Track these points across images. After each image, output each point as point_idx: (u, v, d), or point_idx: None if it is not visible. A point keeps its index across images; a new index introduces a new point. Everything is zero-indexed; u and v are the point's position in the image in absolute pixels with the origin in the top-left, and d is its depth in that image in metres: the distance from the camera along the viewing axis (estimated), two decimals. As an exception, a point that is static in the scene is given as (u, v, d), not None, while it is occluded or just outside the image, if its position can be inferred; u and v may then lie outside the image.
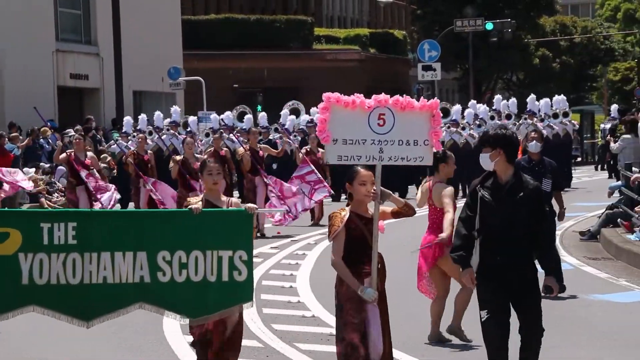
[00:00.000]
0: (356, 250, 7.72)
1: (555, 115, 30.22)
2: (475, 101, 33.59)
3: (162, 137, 28.42)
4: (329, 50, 57.41)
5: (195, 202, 8.26)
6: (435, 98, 8.29)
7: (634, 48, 68.30)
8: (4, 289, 7.86)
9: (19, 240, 7.86)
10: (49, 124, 27.99)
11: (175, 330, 10.91)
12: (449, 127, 27.50)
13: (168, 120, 31.12)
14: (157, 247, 7.98)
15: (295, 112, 30.57)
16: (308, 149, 22.44)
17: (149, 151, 22.67)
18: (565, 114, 30.72)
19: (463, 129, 27.77)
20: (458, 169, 27.34)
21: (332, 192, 21.35)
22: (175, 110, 31.09)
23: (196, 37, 51.36)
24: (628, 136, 22.82)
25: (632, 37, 70.13)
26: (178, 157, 18.59)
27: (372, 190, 7.70)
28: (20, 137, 29.76)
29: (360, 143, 7.90)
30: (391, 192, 7.91)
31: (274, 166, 26.20)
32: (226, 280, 8.02)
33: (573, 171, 40.93)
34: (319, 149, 21.78)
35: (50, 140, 28.27)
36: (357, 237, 7.71)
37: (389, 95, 8.06)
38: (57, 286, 7.87)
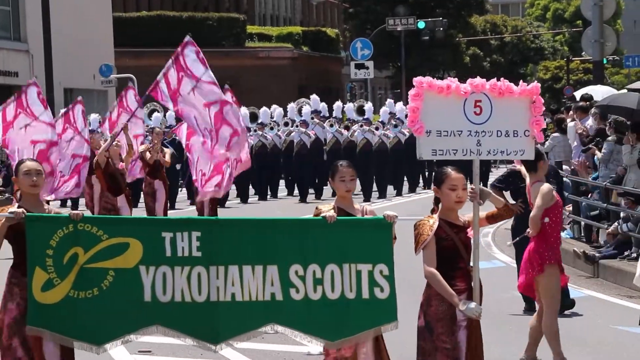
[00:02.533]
0: (446, 263, 6.86)
1: None
2: (392, 100, 32.80)
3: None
4: (261, 48, 57.35)
5: (327, 209, 7.26)
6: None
7: (563, 47, 69.21)
8: (125, 307, 7.04)
9: (140, 251, 7.03)
10: None
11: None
12: (361, 126, 27.08)
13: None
14: (289, 260, 7.07)
15: None
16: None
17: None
18: None
19: (377, 128, 27.18)
20: (374, 168, 27.10)
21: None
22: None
23: (128, 35, 50.97)
24: (557, 135, 23.11)
25: (561, 36, 71.05)
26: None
27: (471, 189, 6.87)
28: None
29: (456, 135, 7.00)
30: (491, 191, 7.05)
31: (178, 166, 25.39)
32: (366, 297, 7.07)
33: (497, 170, 41.60)
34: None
35: None
36: (448, 248, 6.87)
37: (484, 80, 7.32)
38: (182, 304, 7.01)
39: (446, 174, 6.91)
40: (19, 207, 7.06)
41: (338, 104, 30.01)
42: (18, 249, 7.08)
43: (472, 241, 6.96)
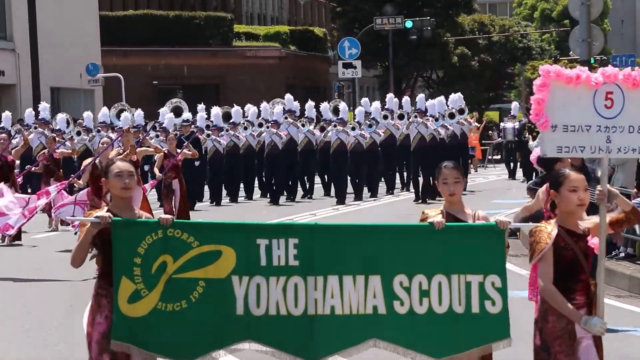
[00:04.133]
0: (565, 275, 6.27)
1: (452, 115, 28.46)
2: (367, 99, 32.19)
3: (93, 139, 27.60)
4: (249, 47, 57.27)
5: (435, 214, 6.79)
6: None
7: (551, 46, 69.28)
8: (216, 321, 6.49)
9: (233, 260, 6.46)
10: None
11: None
12: (335, 126, 26.48)
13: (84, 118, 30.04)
14: (393, 270, 6.52)
15: (176, 110, 29.10)
16: (166, 152, 19.74)
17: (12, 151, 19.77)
18: (461, 112, 29.21)
19: (353, 128, 26.49)
20: (348, 169, 26.59)
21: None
22: (105, 111, 29.25)
23: (114, 33, 50.82)
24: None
25: (548, 35, 71.14)
26: (89, 159, 16.03)
27: (599, 190, 6.28)
28: None
29: (584, 130, 6.37)
30: (618, 192, 6.39)
31: (197, 163, 25.41)
32: (476, 311, 6.53)
33: (484, 169, 41.54)
34: (178, 150, 19.71)
35: None
36: (568, 259, 6.26)
37: (617, 69, 6.51)
38: (277, 317, 6.47)
39: (564, 175, 6.33)
40: (107, 210, 6.54)
41: (324, 105, 29.29)
42: (105, 257, 6.53)
43: (594, 250, 6.36)
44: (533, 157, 10.89)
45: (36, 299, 12.88)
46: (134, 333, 6.41)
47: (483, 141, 44.16)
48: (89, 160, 15.72)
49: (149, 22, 53.91)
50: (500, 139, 40.38)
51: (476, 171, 40.26)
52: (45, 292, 13.32)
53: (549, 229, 6.30)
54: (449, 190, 6.90)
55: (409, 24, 51.65)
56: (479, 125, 40.29)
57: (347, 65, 46.57)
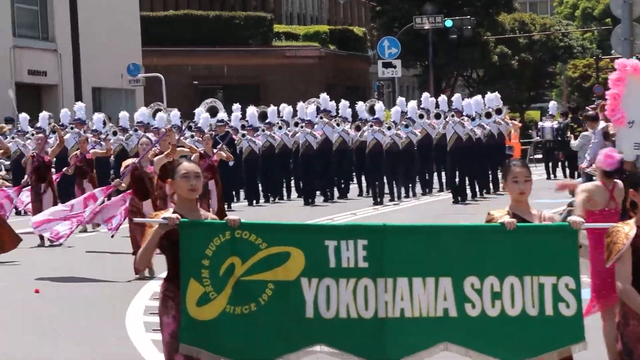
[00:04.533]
0: None
1: (488, 115, 27.93)
2: (403, 99, 31.80)
3: (129, 138, 27.14)
4: (288, 47, 57.32)
5: (501, 215, 6.55)
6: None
7: (592, 45, 68.79)
8: (285, 324, 6.35)
9: (302, 262, 6.32)
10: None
11: (138, 328, 10.80)
12: (371, 126, 26.00)
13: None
14: (464, 271, 6.38)
15: (212, 110, 28.93)
16: (202, 152, 19.52)
17: (48, 150, 19.75)
18: (498, 111, 28.60)
19: (389, 128, 26.02)
20: (384, 171, 26.25)
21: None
22: (143, 111, 28.77)
23: (155, 34, 51.06)
24: (587, 133, 22.86)
25: (590, 34, 70.64)
26: (130, 161, 15.38)
27: None
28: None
29: None
30: None
31: (231, 163, 25.09)
32: (550, 314, 6.37)
33: (534, 168, 41.18)
34: (214, 150, 19.52)
35: (11, 137, 27.61)
36: None
37: None
38: (347, 321, 6.33)
39: None
40: (173, 212, 6.35)
41: (360, 105, 29.08)
42: (172, 259, 6.38)
43: None
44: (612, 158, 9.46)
45: (77, 299, 12.95)
46: (202, 336, 6.28)
47: (522, 140, 43.89)
48: (129, 161, 15.29)
49: (190, 22, 54.11)
50: (538, 138, 40.11)
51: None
52: (86, 293, 13.39)
53: (627, 230, 6.12)
54: (518, 188, 6.64)
55: (448, 23, 51.46)
56: (519, 124, 40.04)
57: (386, 65, 46.44)
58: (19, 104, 38.53)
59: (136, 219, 6.27)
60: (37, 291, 13.16)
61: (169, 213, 6.34)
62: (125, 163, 15.14)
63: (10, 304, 12.53)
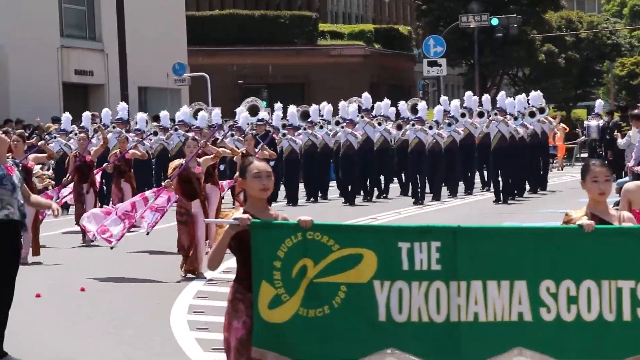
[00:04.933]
0: None
1: (532, 114, 27.43)
2: (446, 98, 31.16)
3: (170, 138, 27.11)
4: (333, 46, 57.31)
5: (579, 216, 6.43)
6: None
7: (640, 43, 68.11)
8: (358, 328, 6.20)
9: (374, 264, 6.18)
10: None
11: (182, 326, 10.82)
12: (413, 125, 25.78)
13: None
14: (539, 275, 6.20)
15: (253, 109, 28.69)
16: (244, 152, 18.97)
17: (90, 150, 19.58)
18: (541, 110, 28.12)
19: (430, 127, 25.79)
20: (426, 170, 25.93)
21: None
22: (184, 110, 28.50)
23: (200, 33, 51.29)
24: (633, 131, 22.62)
25: (638, 32, 69.94)
26: (178, 162, 15.04)
27: None
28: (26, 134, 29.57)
29: None
30: None
31: (271, 163, 24.93)
32: (628, 319, 6.17)
33: (571, 168, 40.86)
34: (256, 150, 19.12)
35: (53, 136, 27.74)
36: None
37: None
38: (419, 324, 6.20)
39: None
40: (243, 212, 6.20)
41: (402, 104, 28.78)
42: (243, 260, 6.26)
43: None
44: None
45: (121, 298, 13.02)
46: (275, 340, 6.16)
47: (568, 143, 43.48)
48: (177, 162, 14.99)
49: (235, 22, 54.29)
50: (584, 138, 39.68)
51: (562, 169, 39.72)
52: (130, 291, 13.45)
53: None
54: (599, 189, 6.50)
55: (494, 21, 51.19)
56: (566, 127, 39.75)
57: (432, 64, 46.32)
58: (65, 104, 38.91)
59: (207, 219, 6.08)
60: (82, 289, 13.24)
61: (239, 213, 6.19)
62: (173, 164, 14.95)
63: (56, 302, 12.61)
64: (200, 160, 14.75)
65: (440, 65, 46.27)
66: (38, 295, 12.76)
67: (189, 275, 14.14)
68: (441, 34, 50.74)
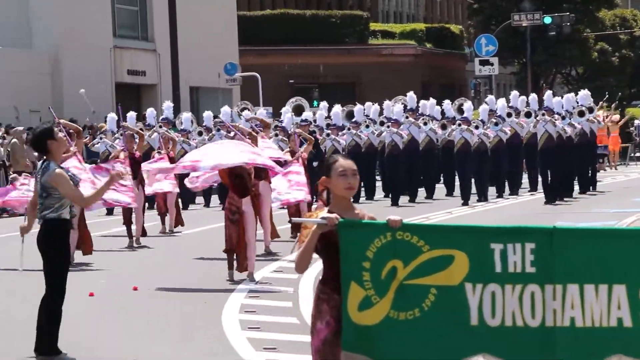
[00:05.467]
0: None
1: (581, 114, 26.95)
2: (492, 97, 30.82)
3: (212, 138, 27.18)
4: (384, 45, 57.21)
5: None
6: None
7: (696, 41, 67.22)
8: (449, 332, 6.01)
9: (466, 265, 5.98)
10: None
11: (234, 325, 10.84)
12: (459, 125, 25.54)
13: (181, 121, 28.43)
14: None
15: (298, 109, 27.85)
16: (288, 150, 19.28)
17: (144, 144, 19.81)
18: (590, 110, 27.63)
19: (476, 127, 25.52)
20: (472, 170, 25.56)
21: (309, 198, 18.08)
22: (226, 110, 28.28)
23: (252, 33, 51.43)
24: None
25: (693, 30, 69.02)
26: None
27: None
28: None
29: None
30: None
31: (315, 164, 23.68)
32: None
33: (625, 167, 40.38)
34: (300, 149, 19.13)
35: (99, 137, 27.74)
36: None
37: None
38: (513, 329, 5.97)
39: None
40: (329, 211, 6.02)
41: (447, 103, 28.39)
42: (329, 261, 6.07)
43: None
44: None
45: (173, 297, 13.07)
46: (365, 343, 5.98)
47: (623, 145, 42.95)
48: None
49: (286, 22, 54.38)
50: (637, 139, 39.14)
51: (615, 169, 39.29)
52: (182, 290, 13.50)
53: None
54: None
55: (547, 19, 50.81)
56: (618, 116, 39.19)
57: (483, 63, 46.10)
58: (118, 104, 39.13)
59: (295, 219, 5.81)
60: (135, 289, 13.31)
61: (325, 212, 6.00)
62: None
63: (108, 302, 12.69)
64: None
65: (492, 64, 46.04)
66: (91, 295, 12.85)
67: (239, 276, 14.02)
68: (493, 33, 50.46)
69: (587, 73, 59.93)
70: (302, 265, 6.07)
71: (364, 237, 6.00)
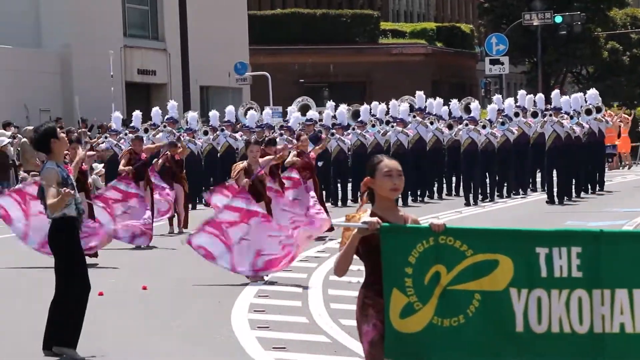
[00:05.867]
0: None
1: (588, 112, 26.82)
2: (500, 96, 30.48)
3: (217, 139, 26.86)
4: (395, 44, 57.20)
5: None
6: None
7: None
8: (494, 338, 5.87)
9: (511, 270, 5.83)
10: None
11: (243, 325, 10.83)
12: (466, 125, 25.32)
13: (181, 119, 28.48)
14: None
15: (304, 109, 27.86)
16: (299, 151, 18.81)
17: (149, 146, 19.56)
18: (598, 110, 27.44)
19: (483, 127, 25.35)
20: (479, 170, 25.39)
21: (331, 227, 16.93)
22: (230, 110, 28.24)
23: (262, 32, 51.45)
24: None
25: None
26: (241, 164, 14.59)
27: None
28: (89, 133, 29.86)
29: None
30: None
31: (320, 164, 23.71)
32: None
33: (638, 167, 40.22)
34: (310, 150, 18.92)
35: (104, 136, 27.65)
36: None
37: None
38: (560, 336, 5.83)
39: None
40: (371, 213, 5.89)
41: (454, 102, 28.24)
42: (371, 265, 5.94)
43: None
44: None
45: (183, 296, 13.07)
46: (408, 350, 5.85)
47: (634, 144, 42.81)
48: (240, 165, 14.47)
49: (297, 21, 54.40)
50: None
51: (629, 168, 39.15)
52: (192, 289, 13.49)
53: None
54: None
55: (558, 19, 50.72)
56: (628, 117, 39.10)
57: (494, 62, 46.04)
58: (128, 104, 39.21)
59: (337, 223, 5.61)
60: (144, 288, 13.31)
61: (367, 216, 5.87)
62: (237, 167, 14.53)
63: (118, 301, 12.69)
64: (261, 161, 14.41)
65: (502, 64, 45.97)
66: (101, 294, 12.85)
67: (251, 280, 13.88)
68: (504, 32, 50.38)
69: (597, 72, 59.82)
70: (341, 268, 5.94)
71: (406, 243, 5.86)
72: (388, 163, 6.01)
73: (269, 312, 11.46)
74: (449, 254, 5.85)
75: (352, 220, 5.90)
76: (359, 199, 6.54)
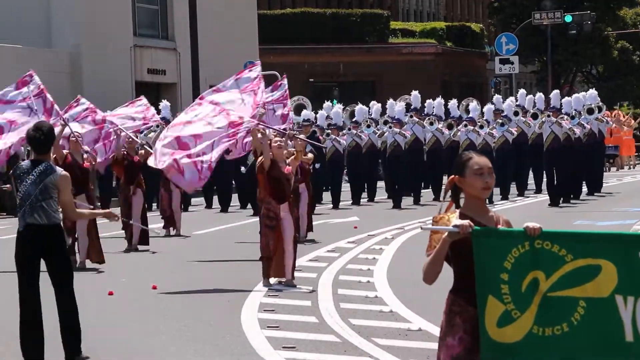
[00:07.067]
0: None
1: (590, 111, 26.65)
2: (500, 96, 30.42)
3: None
4: (405, 44, 57.17)
5: None
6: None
7: None
8: (602, 348, 5.58)
9: (615, 276, 5.52)
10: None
11: (253, 324, 10.84)
12: (465, 126, 25.15)
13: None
14: None
15: (299, 108, 27.37)
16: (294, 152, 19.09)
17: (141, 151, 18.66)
18: (599, 109, 27.28)
19: (481, 127, 25.12)
20: None
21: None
22: None
23: (272, 32, 51.48)
24: None
25: None
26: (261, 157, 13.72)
27: None
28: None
29: None
30: None
31: (317, 165, 23.02)
32: None
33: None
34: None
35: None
36: None
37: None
38: None
39: None
40: (460, 215, 5.58)
41: (453, 103, 28.02)
42: (460, 270, 5.59)
43: None
44: None
45: (193, 295, 13.08)
46: None
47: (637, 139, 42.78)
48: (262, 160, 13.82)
49: (306, 21, 54.41)
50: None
51: (633, 168, 39.08)
52: (202, 289, 13.51)
53: None
54: None
55: (568, 18, 50.65)
56: (632, 120, 39.09)
57: (504, 61, 45.98)
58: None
59: (426, 226, 5.30)
60: (154, 287, 13.33)
61: (456, 217, 5.56)
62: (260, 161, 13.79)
63: (128, 300, 12.72)
64: (288, 160, 13.89)
65: (512, 63, 45.92)
66: (111, 293, 12.88)
67: (276, 282, 13.51)
68: (513, 32, 50.33)
69: (607, 72, 59.71)
70: (431, 275, 5.59)
71: (501, 247, 5.54)
72: (479, 160, 5.68)
73: (278, 312, 11.47)
74: (548, 259, 5.55)
75: (440, 222, 5.58)
76: (441, 198, 6.31)
